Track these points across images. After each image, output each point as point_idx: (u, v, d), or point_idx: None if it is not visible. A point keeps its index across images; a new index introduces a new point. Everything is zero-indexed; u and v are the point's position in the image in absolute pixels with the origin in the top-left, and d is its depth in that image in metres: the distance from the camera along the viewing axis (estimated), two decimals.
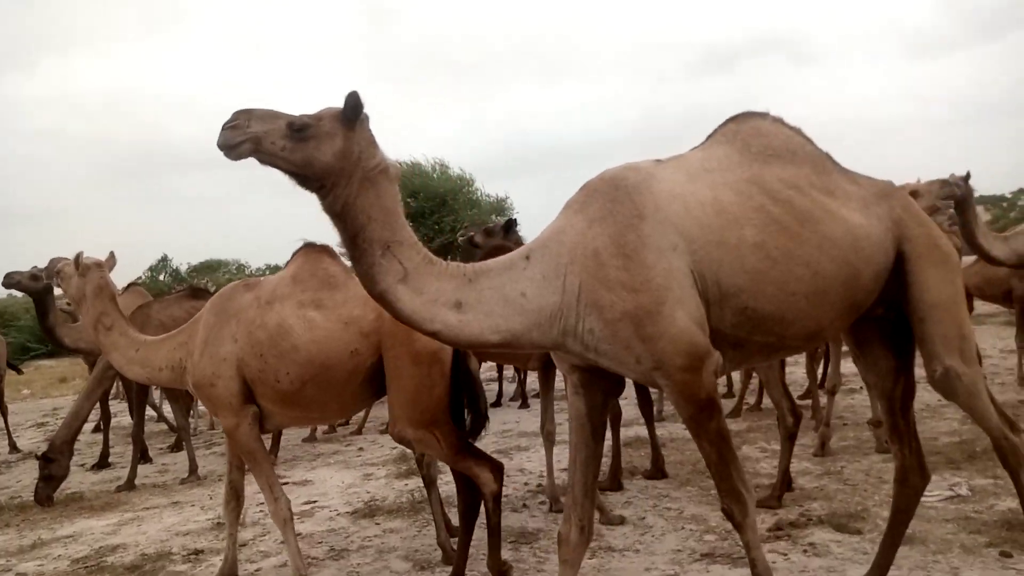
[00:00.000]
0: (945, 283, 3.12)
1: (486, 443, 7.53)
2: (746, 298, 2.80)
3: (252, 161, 2.57)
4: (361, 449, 7.72)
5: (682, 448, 6.56)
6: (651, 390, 5.79)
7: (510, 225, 6.97)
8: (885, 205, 3.13)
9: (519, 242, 6.77)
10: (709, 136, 3.19)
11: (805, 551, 4.09)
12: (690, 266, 2.74)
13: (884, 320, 3.27)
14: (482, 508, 3.79)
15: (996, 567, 3.72)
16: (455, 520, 4.98)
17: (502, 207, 26.89)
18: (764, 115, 3.19)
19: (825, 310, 2.94)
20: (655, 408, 7.04)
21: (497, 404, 9.36)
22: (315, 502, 5.82)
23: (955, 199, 6.84)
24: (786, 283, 2.82)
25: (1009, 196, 51.41)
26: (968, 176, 7.29)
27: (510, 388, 9.95)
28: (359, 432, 8.43)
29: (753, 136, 3.08)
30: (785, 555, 4.05)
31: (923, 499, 4.74)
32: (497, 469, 3.76)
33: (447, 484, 5.94)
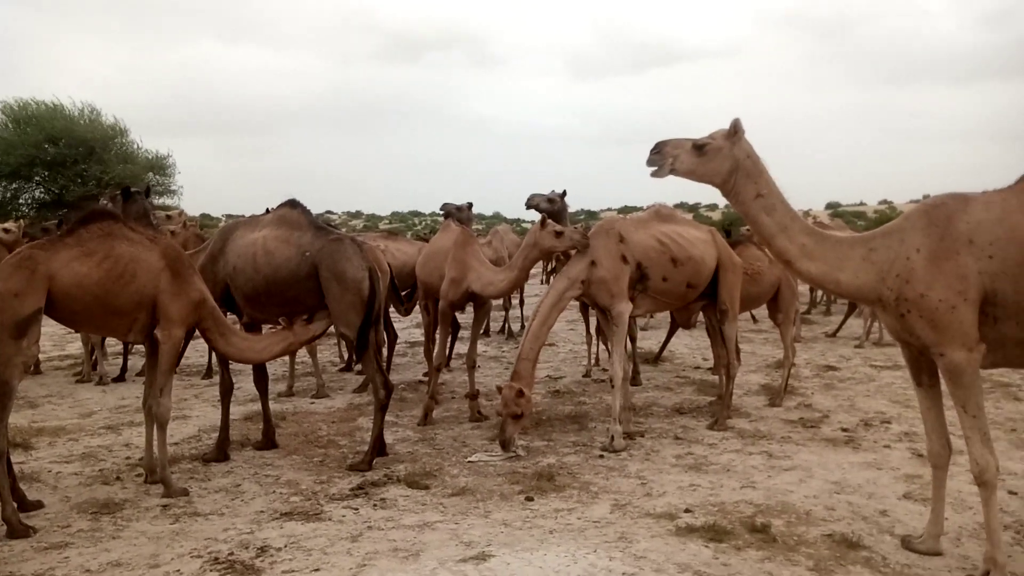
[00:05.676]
0: None
1: (97, 417, 7.14)
2: None
3: None
4: None
5: (301, 421, 6.92)
6: (267, 366, 6.03)
7: (128, 193, 6.57)
8: None
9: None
10: None
11: (375, 505, 4.69)
12: None
13: None
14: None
15: (519, 509, 4.63)
16: (33, 495, 4.76)
17: (163, 164, 24.65)
18: None
19: None
20: (287, 384, 7.39)
21: (121, 379, 8.85)
22: None
23: (550, 211, 8.19)
24: None
25: (645, 208, 63.44)
26: (564, 193, 8.75)
27: (138, 362, 9.43)
28: None
29: None
30: (356, 510, 4.60)
31: (489, 459, 5.74)
32: None
33: (33, 459, 5.57)
